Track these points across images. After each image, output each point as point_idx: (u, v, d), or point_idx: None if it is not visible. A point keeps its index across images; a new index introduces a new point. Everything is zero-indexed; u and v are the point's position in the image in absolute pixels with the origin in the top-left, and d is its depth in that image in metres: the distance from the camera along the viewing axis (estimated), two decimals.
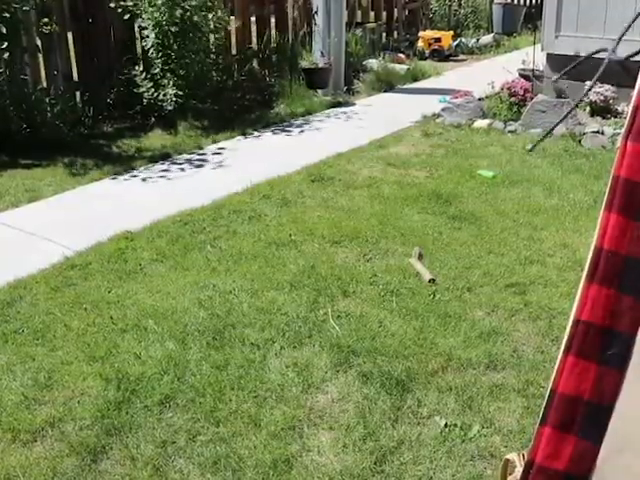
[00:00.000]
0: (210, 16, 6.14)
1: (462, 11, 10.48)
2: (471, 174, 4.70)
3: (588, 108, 5.85)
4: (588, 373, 0.81)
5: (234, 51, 7.12)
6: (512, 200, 4.25)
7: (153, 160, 5.34)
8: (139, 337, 2.93)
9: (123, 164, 5.24)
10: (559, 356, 0.82)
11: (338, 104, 6.85)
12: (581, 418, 0.81)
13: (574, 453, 0.81)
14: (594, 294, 0.82)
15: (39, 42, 5.71)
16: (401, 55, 8.64)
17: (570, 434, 0.82)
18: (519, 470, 0.95)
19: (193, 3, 5.86)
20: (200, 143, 5.73)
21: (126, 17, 6.02)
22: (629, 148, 0.79)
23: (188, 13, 5.84)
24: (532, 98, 5.91)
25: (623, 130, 0.82)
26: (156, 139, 5.83)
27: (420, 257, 3.53)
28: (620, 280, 0.81)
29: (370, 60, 7.95)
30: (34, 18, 5.60)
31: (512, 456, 1.02)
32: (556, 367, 0.82)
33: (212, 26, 6.30)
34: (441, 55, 8.93)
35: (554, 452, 0.83)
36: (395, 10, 9.47)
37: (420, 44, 9.05)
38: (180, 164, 5.27)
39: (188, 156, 5.45)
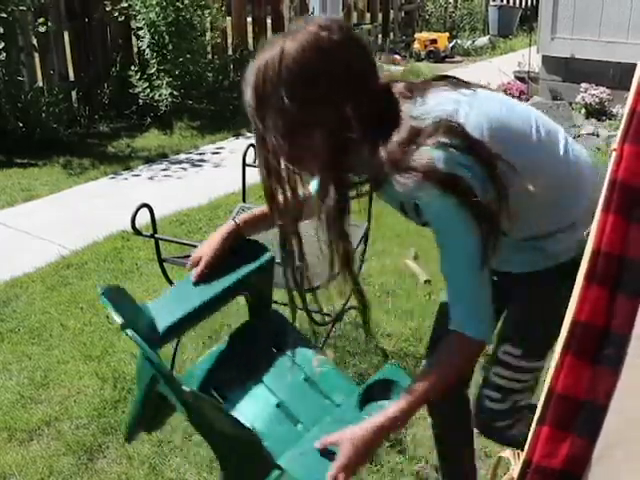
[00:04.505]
0: (206, 14, 6.13)
1: (458, 13, 10.49)
2: None
3: (583, 110, 5.87)
4: (585, 373, 0.82)
5: (230, 51, 7.12)
6: None
7: (149, 160, 5.34)
8: None
9: (119, 164, 5.24)
10: (556, 356, 0.83)
11: None
12: (578, 417, 0.82)
13: (571, 451, 0.82)
14: (592, 295, 0.82)
15: (35, 41, 5.70)
16: (397, 56, 8.65)
17: (567, 433, 0.83)
18: (513, 469, 0.96)
19: (186, 2, 5.86)
20: (196, 143, 5.73)
21: (121, 19, 6.03)
22: (626, 150, 0.80)
23: (182, 12, 5.84)
24: (528, 100, 5.94)
25: (619, 133, 0.83)
26: (152, 139, 5.83)
27: (416, 258, 3.54)
28: (616, 281, 0.82)
29: None
30: (30, 17, 5.60)
31: (507, 454, 1.02)
32: (554, 367, 0.83)
33: (207, 25, 6.30)
34: (437, 56, 8.94)
35: (551, 451, 0.84)
36: (391, 11, 9.49)
37: (416, 45, 9.06)
38: (176, 164, 5.28)
39: (184, 156, 5.45)
